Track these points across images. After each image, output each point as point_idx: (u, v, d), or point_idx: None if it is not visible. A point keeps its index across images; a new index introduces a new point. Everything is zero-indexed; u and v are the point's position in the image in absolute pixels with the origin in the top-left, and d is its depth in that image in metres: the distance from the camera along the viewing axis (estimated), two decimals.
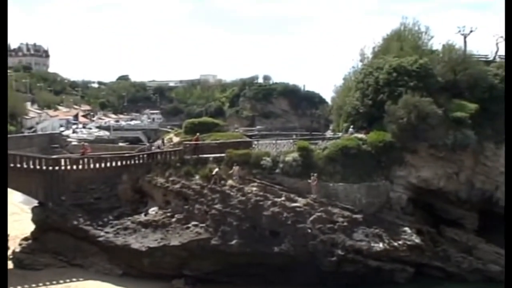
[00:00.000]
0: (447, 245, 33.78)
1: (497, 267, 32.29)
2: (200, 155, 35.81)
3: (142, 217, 33.60)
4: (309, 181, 32.85)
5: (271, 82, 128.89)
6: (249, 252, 30.43)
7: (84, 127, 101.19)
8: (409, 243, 30.97)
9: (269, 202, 31.61)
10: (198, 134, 38.74)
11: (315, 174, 32.95)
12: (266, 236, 30.98)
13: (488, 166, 40.08)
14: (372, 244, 30.28)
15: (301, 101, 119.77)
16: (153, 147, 40.67)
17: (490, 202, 40.94)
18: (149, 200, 35.61)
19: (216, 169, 33.54)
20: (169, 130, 78.46)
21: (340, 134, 39.96)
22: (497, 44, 48.07)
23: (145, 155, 37.46)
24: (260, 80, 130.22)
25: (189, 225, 32.04)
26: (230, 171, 33.51)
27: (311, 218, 30.94)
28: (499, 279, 31.62)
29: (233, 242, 30.37)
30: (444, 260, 32.34)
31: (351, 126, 39.00)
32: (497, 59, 46.98)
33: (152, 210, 34.28)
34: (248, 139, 41.53)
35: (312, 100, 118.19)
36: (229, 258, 30.78)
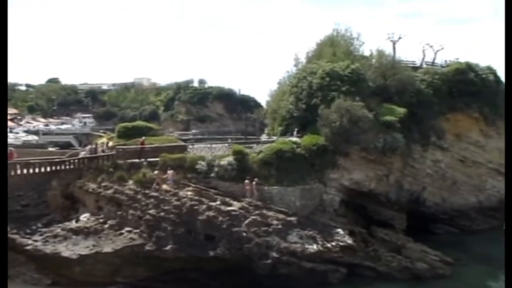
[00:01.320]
0: (378, 245, 34.80)
1: (424, 264, 33.59)
2: (134, 160, 35.21)
3: (73, 224, 32.57)
4: (246, 184, 32.96)
5: (206, 85, 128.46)
6: (184, 257, 30.14)
7: (10, 132, 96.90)
8: (341, 244, 31.63)
9: (204, 206, 31.45)
10: (143, 138, 38.19)
11: (255, 179, 33.19)
12: (201, 240, 30.77)
13: (415, 168, 41.81)
14: (306, 246, 30.71)
15: (236, 105, 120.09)
16: (83, 152, 39.45)
17: (418, 202, 42.78)
18: (81, 207, 34.61)
19: (156, 172, 33.11)
20: (102, 134, 76.49)
21: (275, 137, 40.39)
22: (423, 51, 50.38)
23: (76, 160, 36.36)
24: (196, 84, 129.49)
25: (123, 231, 31.38)
26: (165, 175, 33.12)
27: (246, 222, 31.01)
28: (426, 276, 33.04)
29: (168, 247, 29.98)
30: (375, 260, 33.25)
31: (296, 130, 39.47)
32: (424, 66, 49.17)
33: (84, 217, 33.31)
34: (183, 143, 41.19)
35: (247, 104, 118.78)
36: (164, 264, 30.37)
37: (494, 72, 48.05)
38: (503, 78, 48.68)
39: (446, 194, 44.90)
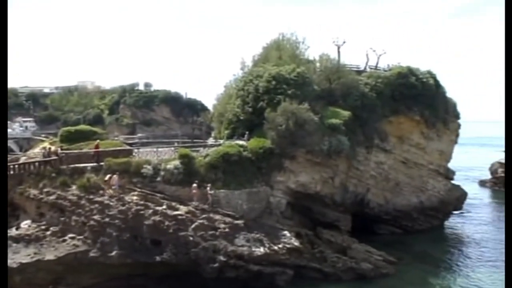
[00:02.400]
0: (324, 246, 35.34)
1: (368, 264, 34.34)
2: (77, 165, 34.30)
3: (13, 232, 31.36)
4: (193, 188, 32.72)
5: (152, 89, 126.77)
6: (129, 262, 29.62)
7: None
8: (288, 246, 31.90)
9: (150, 211, 31.02)
10: (98, 141, 37.22)
11: (209, 185, 33.01)
12: (147, 245, 30.33)
13: (360, 170, 42.65)
14: (253, 249, 30.80)
15: (183, 108, 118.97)
16: (24, 157, 38.13)
17: (362, 204, 43.65)
18: (21, 213, 33.42)
19: (109, 176, 32.37)
20: (44, 138, 74.16)
21: (221, 141, 40.30)
22: (367, 55, 51.52)
23: (16, 166, 35.06)
24: (141, 87, 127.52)
25: (66, 237, 30.50)
26: (106, 178, 32.38)
27: (193, 226, 30.81)
28: (370, 276, 33.77)
29: (113, 253, 29.38)
30: (321, 261, 33.74)
31: (247, 132, 39.42)
32: (368, 69, 50.28)
33: (25, 224, 32.17)
34: (128, 147, 40.49)
35: (194, 108, 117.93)
36: (109, 270, 29.74)
37: (434, 76, 49.66)
38: (442, 83, 50.62)
39: (389, 195, 46.05)
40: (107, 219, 30.49)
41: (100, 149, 35.83)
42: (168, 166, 33.55)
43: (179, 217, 31.07)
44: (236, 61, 49.62)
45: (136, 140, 57.06)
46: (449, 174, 53.05)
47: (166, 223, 30.57)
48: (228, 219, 31.92)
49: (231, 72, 50.99)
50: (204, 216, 31.58)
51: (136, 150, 38.01)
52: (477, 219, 55.40)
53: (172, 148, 38.04)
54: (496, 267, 37.40)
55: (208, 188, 32.65)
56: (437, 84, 49.85)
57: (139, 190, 32.68)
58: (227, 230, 31.22)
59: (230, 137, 40.68)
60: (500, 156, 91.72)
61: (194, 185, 32.72)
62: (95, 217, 30.64)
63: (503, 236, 46.80)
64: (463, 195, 54.38)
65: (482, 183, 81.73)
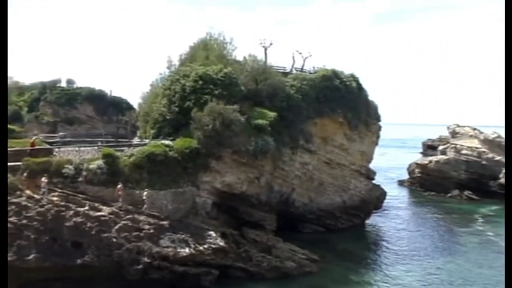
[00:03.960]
0: (249, 246, 35.55)
1: (292, 263, 34.95)
2: None
3: None
4: (118, 189, 31.96)
5: (75, 86, 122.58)
6: (48, 266, 28.44)
7: None
8: (214, 246, 31.84)
9: (71, 212, 29.96)
10: (34, 137, 35.44)
11: (147, 190, 32.37)
12: (67, 248, 29.26)
13: (285, 170, 43.28)
14: (179, 250, 30.49)
15: (107, 106, 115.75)
16: None
17: (287, 203, 44.34)
18: None
19: (43, 179, 30.95)
20: None
21: (147, 140, 39.62)
22: (293, 57, 52.37)
23: None
24: (63, 84, 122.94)
25: None
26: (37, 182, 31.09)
27: (116, 227, 30.06)
28: (294, 274, 34.38)
29: (30, 256, 28.10)
30: (246, 261, 33.93)
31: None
32: (293, 71, 51.12)
33: None
34: (48, 146, 38.91)
35: (119, 106, 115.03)
36: (26, 275, 28.39)
37: (356, 80, 51.30)
38: (364, 85, 52.36)
39: (313, 194, 47.09)
40: (24, 221, 29.14)
41: (35, 147, 34.45)
42: (91, 166, 32.57)
43: (102, 218, 30.23)
44: (163, 60, 48.76)
45: (58, 139, 54.96)
46: (370, 174, 55.02)
47: (88, 224, 29.65)
48: (153, 220, 31.41)
49: (158, 70, 50.14)
50: (128, 217, 30.89)
51: (57, 149, 36.63)
52: (396, 217, 57.80)
53: (96, 148, 37.00)
54: (413, 262, 39.20)
55: (119, 186, 31.89)
56: (360, 87, 51.54)
57: (59, 190, 31.51)
58: (151, 231, 30.72)
59: (156, 136, 40.07)
60: (417, 157, 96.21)
61: (119, 185, 31.98)
62: (11, 219, 29.15)
63: (419, 233, 49.43)
64: (383, 194, 56.55)
65: (401, 183, 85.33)
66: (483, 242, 46.82)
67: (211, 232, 33.00)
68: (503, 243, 45.93)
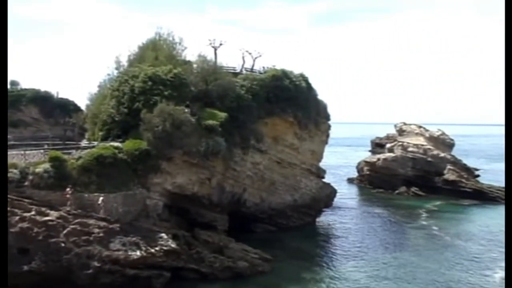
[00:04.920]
0: (201, 247, 35.44)
1: (244, 263, 35.07)
2: None
3: None
4: (67, 192, 31.22)
5: (19, 88, 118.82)
6: None
7: None
8: (165, 248, 31.60)
9: (17, 217, 29.05)
10: None
11: (78, 188, 31.60)
12: (13, 254, 28.30)
13: (236, 170, 43.38)
14: (129, 253, 30.11)
15: (53, 108, 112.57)
16: None
17: (239, 203, 44.48)
18: None
19: None
20: None
21: (95, 143, 38.87)
22: (243, 57, 52.50)
23: None
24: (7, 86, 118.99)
25: None
26: None
27: (64, 232, 29.38)
28: (247, 274, 34.52)
29: None
30: (198, 262, 33.82)
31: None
32: (244, 72, 51.26)
33: None
34: None
35: (66, 108, 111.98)
36: None
37: (306, 79, 51.91)
38: (313, 85, 53.04)
39: (265, 194, 47.41)
40: None
41: None
42: (37, 170, 31.69)
43: (50, 223, 29.48)
44: (111, 60, 47.73)
45: None
46: (320, 173, 55.83)
47: (35, 229, 28.86)
48: (103, 223, 30.87)
49: (106, 71, 49.06)
50: (77, 221, 30.24)
51: None
52: (346, 214, 58.90)
53: (42, 151, 35.99)
54: (363, 258, 40.06)
55: (67, 190, 31.23)
56: (309, 87, 52.19)
57: None
58: (101, 234, 30.19)
59: (104, 138, 39.38)
60: (366, 155, 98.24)
61: (68, 189, 31.27)
62: None
63: (369, 229, 50.56)
64: (333, 192, 57.54)
65: (350, 181, 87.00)
66: (428, 237, 48.38)
67: (163, 234, 32.73)
68: (446, 237, 47.84)
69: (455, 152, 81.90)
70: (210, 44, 49.32)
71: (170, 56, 45.58)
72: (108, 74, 48.12)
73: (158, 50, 46.44)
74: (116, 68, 47.43)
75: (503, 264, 39.17)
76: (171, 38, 48.13)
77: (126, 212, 32.92)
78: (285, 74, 49.62)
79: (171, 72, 40.46)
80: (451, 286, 34.03)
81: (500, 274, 36.67)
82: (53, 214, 30.17)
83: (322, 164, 57.06)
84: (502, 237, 48.32)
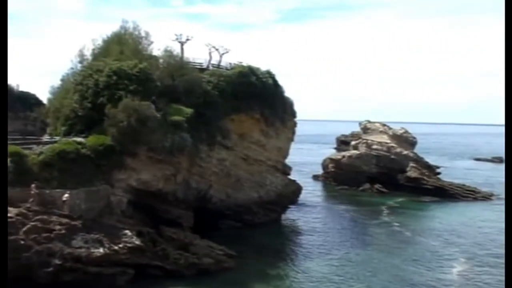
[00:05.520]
0: (166, 244, 35.11)
1: (210, 259, 34.96)
2: None
3: None
4: (31, 188, 30.45)
5: None
6: None
7: None
8: (129, 245, 31.22)
9: None
10: None
11: (39, 183, 30.87)
12: None
13: (202, 167, 43.16)
14: (92, 250, 29.63)
15: (14, 102, 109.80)
16: None
17: (204, 200, 44.28)
18: None
19: None
20: None
21: (57, 138, 38.05)
22: (210, 53, 52.20)
23: None
24: None
25: None
26: None
27: (24, 229, 28.68)
28: (212, 270, 34.41)
29: None
30: (163, 259, 33.52)
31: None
32: (210, 67, 50.99)
33: None
34: None
35: (27, 102, 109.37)
36: None
37: (272, 76, 52.00)
38: (280, 82, 53.18)
39: (231, 190, 47.34)
40: None
41: None
42: None
43: (9, 220, 28.64)
44: (74, 53, 46.53)
45: None
46: (286, 170, 56.10)
47: None
48: (64, 220, 30.27)
49: (69, 64, 47.83)
50: (37, 218, 29.57)
51: None
52: (311, 211, 59.37)
53: None
54: (327, 254, 40.45)
55: (33, 186, 30.53)
56: (276, 84, 52.30)
57: None
58: (63, 231, 29.61)
59: (67, 133, 38.58)
60: (330, 152, 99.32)
61: (33, 185, 30.51)
62: None
63: (333, 226, 51.09)
64: (298, 189, 57.88)
65: (316, 178, 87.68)
66: (390, 233, 49.26)
67: (127, 231, 32.32)
68: (407, 233, 48.78)
69: (417, 150, 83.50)
70: (177, 39, 48.91)
71: (135, 51, 44.93)
72: (72, 68, 47.09)
73: (123, 44, 45.72)
74: (80, 62, 46.50)
75: (461, 259, 40.33)
76: (136, 32, 47.46)
77: (89, 208, 32.32)
78: (251, 71, 49.61)
79: (136, 66, 39.92)
80: (411, 280, 34.66)
81: (457, 269, 37.65)
82: (12, 211, 29.37)
83: (288, 161, 57.33)
84: (460, 232, 49.64)
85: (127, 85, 38.32)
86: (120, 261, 30.81)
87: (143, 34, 47.50)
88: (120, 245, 30.78)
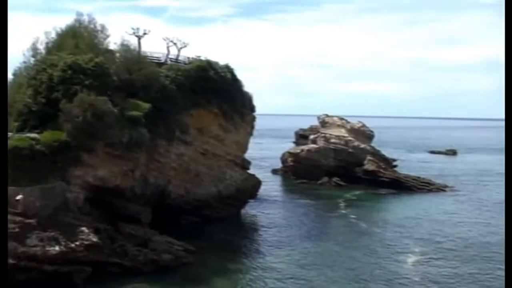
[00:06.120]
0: (125, 240, 34.76)
1: (169, 255, 34.84)
2: None
3: None
4: None
5: None
6: None
7: None
8: (86, 243, 30.80)
9: None
10: None
11: None
12: None
13: (161, 162, 42.85)
14: (48, 248, 29.09)
15: None
16: None
17: (163, 195, 44.00)
18: None
19: None
20: None
21: (10, 134, 36.99)
22: (168, 47, 51.66)
23: None
24: None
25: None
26: None
27: None
28: (171, 266, 34.30)
29: None
30: (121, 256, 33.20)
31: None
32: (168, 62, 50.51)
33: None
34: None
35: None
36: None
37: (231, 71, 51.92)
38: (239, 76, 53.18)
39: (190, 185, 47.15)
40: None
41: None
42: None
43: None
44: (27, 47, 45.25)
45: None
46: (245, 164, 56.26)
47: None
48: (18, 218, 29.60)
49: (21, 58, 46.44)
50: None
51: None
52: (270, 205, 59.79)
53: None
54: (286, 248, 40.86)
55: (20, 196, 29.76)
56: (234, 78, 52.28)
57: None
58: (17, 230, 28.96)
59: (20, 129, 37.57)
60: (289, 147, 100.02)
61: None
62: None
63: (292, 220, 51.60)
64: (257, 183, 58.15)
65: (275, 172, 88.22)
66: (347, 225, 50.20)
67: (84, 228, 31.85)
68: (364, 225, 49.78)
69: (374, 143, 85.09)
70: (134, 33, 48.11)
71: (91, 44, 44.06)
72: (24, 62, 45.74)
73: (78, 37, 44.75)
74: (33, 56, 45.24)
75: (416, 249, 41.42)
76: (92, 26, 46.52)
77: (44, 206, 31.64)
78: (210, 65, 49.41)
79: (92, 60, 39.20)
80: (368, 272, 35.40)
81: (411, 260, 38.63)
82: None
83: (247, 155, 57.50)
84: (415, 224, 50.96)
85: (83, 79, 37.61)
86: (77, 259, 30.35)
87: (98, 27, 46.57)
88: (77, 243, 30.32)
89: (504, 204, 18.66)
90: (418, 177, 77.95)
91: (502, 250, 41.96)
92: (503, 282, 33.41)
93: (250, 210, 55.75)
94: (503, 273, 35.82)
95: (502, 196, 67.45)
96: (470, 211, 58.68)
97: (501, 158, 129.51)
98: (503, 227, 52.21)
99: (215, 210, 49.60)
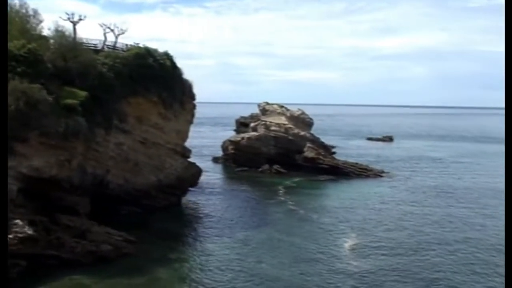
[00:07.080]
0: (62, 232, 33.93)
1: (108, 246, 34.33)
2: None
3: None
4: None
5: None
6: None
7: None
8: (20, 235, 29.86)
9: None
10: None
11: None
12: None
13: (99, 151, 41.98)
14: None
15: None
16: None
17: (102, 185, 43.17)
18: None
19: None
20: None
21: None
22: (105, 34, 50.39)
23: None
24: None
25: None
26: None
27: None
28: (111, 257, 33.81)
29: None
30: (58, 248, 32.42)
31: None
32: (105, 49, 49.31)
33: None
34: None
35: None
36: None
37: (170, 58, 51.30)
38: (179, 64, 52.64)
39: (129, 175, 46.47)
40: None
41: None
42: None
43: None
44: None
45: None
46: (185, 153, 55.95)
47: None
48: None
49: None
50: None
51: None
52: (211, 193, 59.92)
53: None
54: (228, 236, 41.14)
55: None
56: (174, 66, 51.70)
57: None
58: None
59: None
60: (230, 134, 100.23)
61: None
62: None
63: (233, 207, 51.90)
64: (198, 171, 58.02)
65: (216, 160, 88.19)
66: (286, 212, 51.10)
67: (18, 221, 30.83)
68: (303, 211, 50.84)
69: (314, 130, 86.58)
70: (69, 18, 46.58)
71: (23, 30, 42.28)
72: None
73: (9, 23, 42.84)
74: None
75: (352, 234, 42.69)
76: (24, 10, 44.70)
77: None
78: (148, 52, 48.68)
79: (24, 47, 37.69)
80: (307, 257, 36.23)
81: (348, 243, 39.84)
82: None
83: (187, 143, 57.19)
84: (352, 209, 52.46)
85: (15, 66, 36.10)
86: (11, 253, 29.28)
87: (31, 12, 44.81)
88: (11, 236, 29.31)
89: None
90: (356, 164, 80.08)
91: (435, 230, 44.18)
92: (434, 259, 35.21)
93: (191, 198, 55.64)
94: (433, 251, 37.70)
95: (435, 181, 70.66)
96: (405, 195, 61.02)
97: (433, 143, 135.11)
98: (436, 209, 54.89)
99: (155, 200, 49.14)
